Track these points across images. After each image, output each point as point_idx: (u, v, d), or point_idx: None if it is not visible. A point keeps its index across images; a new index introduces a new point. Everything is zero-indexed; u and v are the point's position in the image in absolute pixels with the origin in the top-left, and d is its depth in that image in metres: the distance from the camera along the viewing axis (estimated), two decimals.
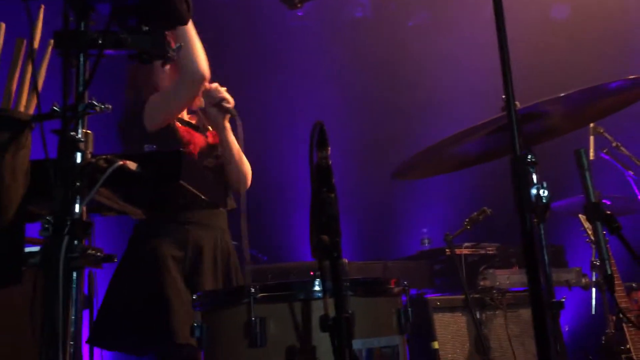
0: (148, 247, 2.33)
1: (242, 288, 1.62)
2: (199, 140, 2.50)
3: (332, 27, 4.96)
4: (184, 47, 2.29)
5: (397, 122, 4.97)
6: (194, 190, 1.48)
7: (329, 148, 1.43)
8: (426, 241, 4.34)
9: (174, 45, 1.49)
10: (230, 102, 2.50)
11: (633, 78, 1.88)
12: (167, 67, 2.47)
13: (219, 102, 2.48)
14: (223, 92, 2.50)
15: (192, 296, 1.80)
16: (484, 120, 1.90)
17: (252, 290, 1.56)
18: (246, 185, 2.59)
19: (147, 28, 1.44)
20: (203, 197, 1.53)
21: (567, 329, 4.73)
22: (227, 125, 2.53)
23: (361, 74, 4.87)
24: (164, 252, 2.30)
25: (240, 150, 2.55)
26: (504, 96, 1.52)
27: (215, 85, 2.49)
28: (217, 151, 2.55)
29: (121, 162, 1.34)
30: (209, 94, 2.49)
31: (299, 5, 2.06)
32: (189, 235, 2.37)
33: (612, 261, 3.32)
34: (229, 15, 4.60)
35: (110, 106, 1.40)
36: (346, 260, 3.52)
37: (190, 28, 2.34)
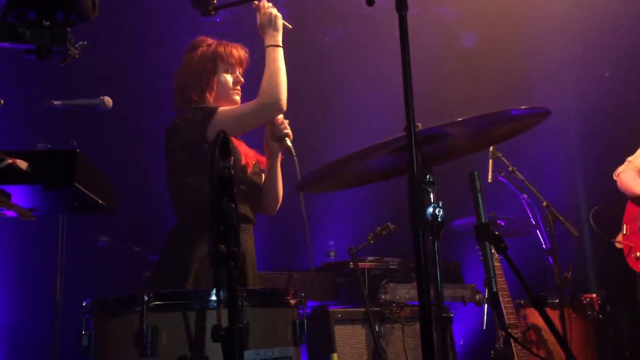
0: (184, 252, 2.43)
1: (135, 295, 1.58)
2: (250, 154, 2.67)
3: (249, 35, 4.95)
4: (270, 73, 2.53)
5: (308, 134, 5.02)
6: (90, 194, 1.43)
7: (232, 158, 1.43)
8: (332, 253, 4.40)
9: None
10: (291, 137, 2.66)
11: (529, 107, 2.00)
12: (230, 79, 2.68)
13: (281, 136, 2.63)
14: (287, 127, 2.66)
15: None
16: (388, 138, 1.96)
17: (145, 297, 1.52)
18: (274, 212, 2.83)
19: (47, 23, 1.38)
20: (100, 201, 1.48)
21: (461, 343, 4.93)
22: (279, 155, 2.72)
23: None
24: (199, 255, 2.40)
25: (281, 180, 2.76)
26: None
27: (281, 118, 2.64)
28: (259, 169, 2.72)
29: (10, 160, 1.27)
30: (276, 126, 2.64)
31: (212, 12, 2.05)
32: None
33: (502, 279, 3.51)
34: (145, 16, 4.51)
35: (2, 100, 1.34)
36: None
37: (281, 55, 2.56)
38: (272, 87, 2.52)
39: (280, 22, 2.66)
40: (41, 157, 1.34)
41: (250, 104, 2.58)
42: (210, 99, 2.67)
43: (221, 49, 2.73)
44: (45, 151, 1.40)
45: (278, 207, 2.83)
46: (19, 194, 1.45)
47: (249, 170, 2.62)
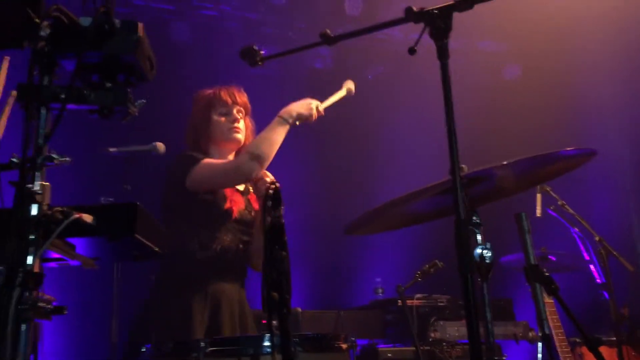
0: (174, 293, 2.51)
1: (192, 342, 1.63)
2: (239, 200, 2.68)
3: (293, 77, 5.08)
4: (263, 139, 2.56)
5: (355, 177, 5.07)
6: (149, 244, 1.51)
7: (283, 207, 1.48)
8: (379, 290, 4.38)
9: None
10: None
11: (575, 149, 2.00)
12: (225, 120, 2.72)
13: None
14: (269, 181, 2.63)
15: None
16: (432, 183, 1.98)
17: (202, 344, 1.57)
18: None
19: (109, 84, 1.48)
20: (157, 250, 1.55)
21: None
22: None
23: (318, 128, 4.98)
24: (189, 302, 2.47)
25: None
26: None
27: (263, 175, 2.65)
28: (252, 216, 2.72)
29: (77, 215, 1.36)
30: (262, 183, 2.67)
31: (260, 63, 2.14)
32: (209, 287, 2.53)
33: (556, 316, 3.43)
34: (189, 60, 4.69)
35: (69, 159, 1.43)
36: (300, 309, 3.54)
37: (284, 133, 2.58)
38: (256, 153, 2.54)
39: (308, 114, 2.67)
40: (105, 211, 1.42)
41: (231, 163, 2.65)
42: (208, 143, 2.75)
43: (211, 95, 2.80)
44: (108, 205, 1.49)
45: None
46: (83, 245, 1.53)
47: (234, 216, 2.64)
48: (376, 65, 5.56)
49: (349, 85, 2.80)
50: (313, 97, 5.22)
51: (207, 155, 2.72)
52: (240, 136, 2.78)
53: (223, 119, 2.76)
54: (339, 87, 2.74)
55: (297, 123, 2.62)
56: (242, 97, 2.83)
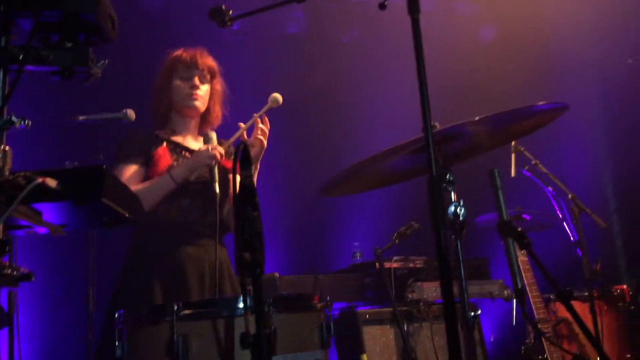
0: (136, 263, 2.55)
1: (164, 306, 1.62)
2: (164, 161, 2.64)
3: (266, 42, 5.01)
4: (146, 191, 2.50)
5: (329, 138, 5.05)
6: (118, 209, 1.47)
7: (252, 167, 1.46)
8: (358, 254, 4.40)
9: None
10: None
11: (547, 103, 2.00)
12: (184, 86, 2.68)
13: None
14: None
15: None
16: (407, 139, 1.97)
17: (175, 307, 1.56)
18: None
19: (70, 44, 1.43)
20: (126, 214, 1.52)
21: (492, 339, 4.90)
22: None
23: (292, 90, 4.93)
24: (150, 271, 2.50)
25: None
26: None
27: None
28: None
29: (40, 180, 1.32)
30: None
31: (229, 23, 2.09)
32: (172, 253, 2.55)
33: (530, 273, 3.49)
34: (160, 24, 4.58)
35: (29, 122, 1.38)
36: (277, 274, 3.55)
37: (166, 189, 2.54)
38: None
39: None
40: (70, 175, 1.38)
41: (137, 186, 2.57)
42: (169, 108, 2.74)
43: (173, 59, 2.75)
44: (73, 169, 1.45)
45: None
46: (49, 212, 1.50)
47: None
48: (351, 29, 5.50)
49: (274, 98, 2.70)
50: (286, 61, 5.15)
51: (168, 122, 2.74)
52: (199, 103, 2.74)
53: (183, 84, 2.72)
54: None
55: (192, 178, 2.57)
56: (206, 60, 2.76)
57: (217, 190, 2.51)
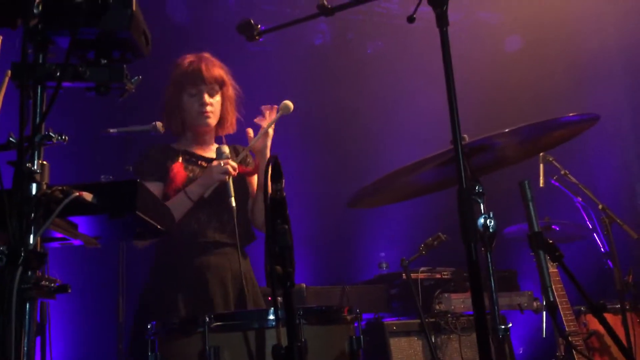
0: (158, 275, 2.58)
1: (196, 317, 1.64)
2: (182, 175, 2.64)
3: (292, 54, 5.05)
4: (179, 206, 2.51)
5: (356, 150, 5.05)
6: (151, 221, 1.50)
7: (284, 180, 1.47)
8: (384, 265, 4.39)
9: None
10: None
11: (577, 114, 1.98)
12: (194, 103, 2.66)
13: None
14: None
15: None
16: (435, 152, 1.97)
17: (207, 319, 1.58)
18: None
19: (105, 61, 1.46)
20: (159, 227, 1.54)
21: (521, 351, 4.83)
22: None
23: (318, 102, 4.96)
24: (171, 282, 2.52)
25: None
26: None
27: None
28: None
29: (77, 193, 1.35)
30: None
31: (257, 37, 2.12)
32: (193, 266, 2.57)
33: (560, 285, 3.44)
34: (186, 38, 4.65)
35: (66, 137, 1.42)
36: (304, 285, 3.56)
37: (184, 207, 2.55)
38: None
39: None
40: (105, 189, 1.41)
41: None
42: (182, 125, 2.73)
43: (180, 75, 2.70)
44: (108, 183, 1.48)
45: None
46: (85, 224, 1.53)
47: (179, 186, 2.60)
48: (375, 40, 5.52)
49: (285, 105, 2.69)
50: (312, 74, 5.17)
51: (183, 135, 2.75)
52: (211, 120, 2.72)
53: (192, 100, 2.69)
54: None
55: (206, 195, 2.58)
56: (212, 72, 2.70)
57: (234, 204, 2.52)
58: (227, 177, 2.54)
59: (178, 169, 2.64)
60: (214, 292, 2.52)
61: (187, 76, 2.68)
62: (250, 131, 2.71)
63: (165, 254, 2.64)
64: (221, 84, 2.73)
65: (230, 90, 2.79)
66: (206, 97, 2.68)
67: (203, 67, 2.68)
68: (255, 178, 2.77)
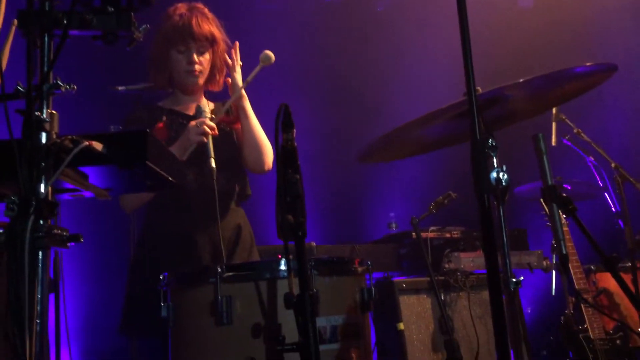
0: (157, 233, 2.53)
1: (209, 268, 1.64)
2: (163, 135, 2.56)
3: (301, 11, 4.97)
4: None
5: (366, 106, 5.01)
6: (162, 172, 1.49)
7: (294, 130, 1.45)
8: (393, 225, 4.40)
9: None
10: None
11: (593, 64, 1.94)
12: (182, 60, 2.56)
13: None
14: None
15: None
16: (447, 104, 1.94)
17: (219, 269, 1.58)
18: (264, 165, 2.64)
19: (112, 9, 1.44)
20: (170, 178, 1.54)
21: (529, 310, 4.86)
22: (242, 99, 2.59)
23: (328, 58, 4.90)
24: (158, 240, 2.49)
25: (255, 127, 2.62)
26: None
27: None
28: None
29: (87, 143, 1.34)
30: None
31: None
32: (180, 222, 2.52)
33: (571, 244, 3.44)
34: None
35: (75, 86, 1.40)
36: (314, 244, 3.57)
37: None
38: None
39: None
40: (114, 139, 1.40)
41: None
42: (169, 81, 2.64)
43: (169, 29, 2.55)
44: (118, 133, 1.47)
45: (266, 158, 2.65)
46: (95, 175, 1.52)
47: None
48: None
49: (265, 55, 2.57)
50: (320, 31, 5.07)
51: (170, 94, 2.68)
52: (199, 79, 2.61)
53: (180, 57, 2.57)
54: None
55: (184, 157, 2.45)
56: (203, 29, 2.56)
57: (214, 165, 2.42)
58: (204, 137, 2.43)
59: (160, 129, 2.56)
60: (201, 251, 2.48)
61: (176, 31, 2.54)
62: (230, 80, 2.62)
63: (154, 214, 2.62)
64: (212, 41, 2.60)
65: (222, 47, 2.65)
66: (195, 56, 2.56)
67: (194, 22, 2.54)
68: (239, 125, 2.66)
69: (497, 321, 1.47)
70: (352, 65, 4.97)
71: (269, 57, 2.57)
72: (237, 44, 2.63)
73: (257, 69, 2.57)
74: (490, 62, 4.19)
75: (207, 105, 2.62)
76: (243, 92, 2.59)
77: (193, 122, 2.48)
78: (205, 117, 2.50)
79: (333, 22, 5.04)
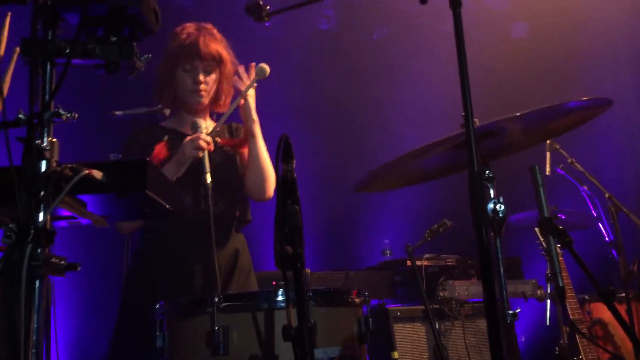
0: (148, 270, 2.49)
1: (205, 297, 1.63)
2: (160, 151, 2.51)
3: (298, 39, 5.02)
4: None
5: (361, 135, 5.04)
6: (159, 200, 1.49)
7: (294, 161, 1.46)
8: (387, 252, 4.40)
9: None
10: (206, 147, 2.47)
11: (589, 99, 1.96)
12: (188, 79, 2.53)
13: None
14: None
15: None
16: (445, 136, 1.96)
17: (216, 299, 1.57)
18: (265, 194, 2.59)
19: (115, 38, 1.45)
20: (167, 206, 1.53)
21: (523, 340, 4.84)
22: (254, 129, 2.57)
23: (325, 87, 4.94)
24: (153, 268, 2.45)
25: (263, 156, 2.57)
26: (463, 113, 1.58)
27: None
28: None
29: (87, 171, 1.34)
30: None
31: (266, 18, 2.09)
32: (176, 248, 2.48)
33: (565, 274, 3.44)
34: (192, 19, 4.62)
35: (76, 115, 1.40)
36: (308, 271, 3.55)
37: None
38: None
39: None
40: (114, 167, 1.40)
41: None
42: (174, 100, 2.60)
43: (176, 48, 2.53)
44: (117, 161, 1.47)
45: (269, 185, 2.59)
46: (93, 203, 1.52)
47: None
48: (381, 26, 5.49)
49: (260, 68, 2.56)
50: (318, 58, 5.12)
51: (174, 113, 2.62)
52: (204, 99, 2.58)
53: (186, 76, 2.55)
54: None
55: (181, 173, 2.43)
56: (210, 48, 2.54)
57: (209, 180, 2.38)
58: (199, 152, 2.40)
59: (160, 149, 2.51)
60: (195, 275, 2.44)
61: (183, 50, 2.52)
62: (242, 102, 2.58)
63: (149, 235, 2.57)
64: (219, 61, 2.57)
65: (229, 68, 2.62)
66: (201, 76, 2.54)
67: (201, 41, 2.52)
68: (246, 149, 2.61)
69: (495, 352, 1.47)
70: (348, 93, 5.02)
71: (264, 70, 2.55)
72: (242, 67, 2.61)
73: (252, 81, 2.56)
74: (484, 92, 4.23)
75: (202, 121, 2.55)
76: (255, 117, 2.56)
77: (189, 137, 2.45)
78: (201, 132, 2.47)
79: (330, 49, 5.10)
